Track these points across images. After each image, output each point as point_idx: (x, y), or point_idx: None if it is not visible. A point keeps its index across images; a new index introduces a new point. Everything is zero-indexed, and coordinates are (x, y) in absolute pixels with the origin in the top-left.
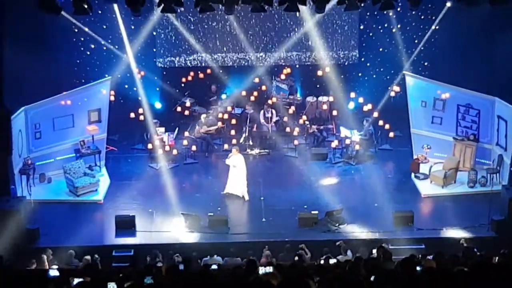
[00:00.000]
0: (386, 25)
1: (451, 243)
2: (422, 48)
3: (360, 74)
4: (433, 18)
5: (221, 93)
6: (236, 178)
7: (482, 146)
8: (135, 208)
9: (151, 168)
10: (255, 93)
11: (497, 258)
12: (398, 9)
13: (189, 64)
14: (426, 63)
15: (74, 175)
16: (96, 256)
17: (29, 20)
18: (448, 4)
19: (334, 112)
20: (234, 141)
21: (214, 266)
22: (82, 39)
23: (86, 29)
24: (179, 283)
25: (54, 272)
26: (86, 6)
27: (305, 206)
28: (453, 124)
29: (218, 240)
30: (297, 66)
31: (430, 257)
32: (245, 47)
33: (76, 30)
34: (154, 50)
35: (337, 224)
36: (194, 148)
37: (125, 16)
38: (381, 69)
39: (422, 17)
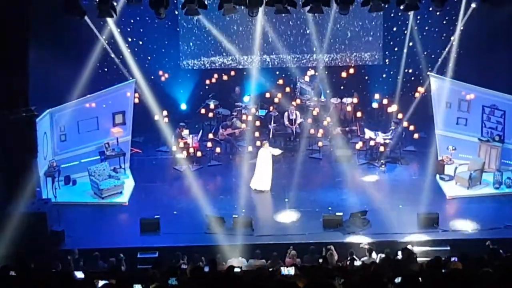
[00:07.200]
0: (410, 26)
1: (477, 245)
2: (447, 49)
3: (384, 76)
4: (458, 19)
5: (244, 95)
6: (260, 172)
7: (507, 147)
8: (160, 210)
9: (175, 170)
10: (279, 95)
11: None
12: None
13: (213, 66)
14: (450, 64)
15: (99, 177)
16: (121, 255)
17: (54, 23)
18: (473, 5)
19: (358, 114)
20: (258, 143)
21: (238, 268)
22: (106, 41)
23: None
24: (203, 284)
25: (79, 274)
26: (110, 9)
27: (330, 208)
28: (478, 125)
29: (243, 242)
30: (321, 67)
31: (455, 258)
32: (269, 49)
33: (100, 33)
34: (180, 53)
35: (361, 226)
36: (218, 150)
37: (149, 19)
38: (406, 70)
39: (447, 18)
